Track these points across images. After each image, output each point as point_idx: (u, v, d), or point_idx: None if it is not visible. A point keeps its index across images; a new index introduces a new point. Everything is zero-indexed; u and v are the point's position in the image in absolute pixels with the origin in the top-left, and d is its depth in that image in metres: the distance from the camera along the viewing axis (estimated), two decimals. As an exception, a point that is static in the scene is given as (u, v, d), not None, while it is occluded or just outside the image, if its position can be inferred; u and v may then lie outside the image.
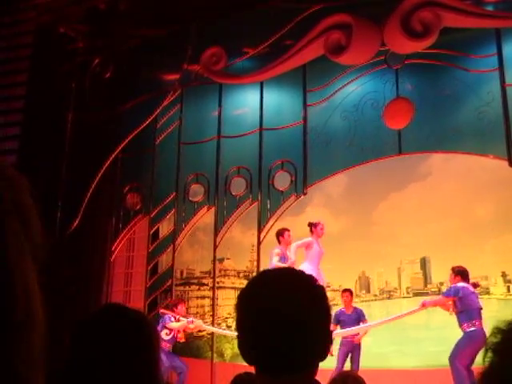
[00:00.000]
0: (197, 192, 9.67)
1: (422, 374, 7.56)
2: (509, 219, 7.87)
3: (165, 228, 9.72)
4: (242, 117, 9.75)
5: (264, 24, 8.51)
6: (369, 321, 7.69)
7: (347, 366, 7.37)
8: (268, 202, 9.17)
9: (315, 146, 9.06)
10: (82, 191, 8.94)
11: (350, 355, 7.53)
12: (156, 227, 9.70)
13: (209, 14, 8.67)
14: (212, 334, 9.03)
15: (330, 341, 1.29)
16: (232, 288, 9.39)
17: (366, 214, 8.91)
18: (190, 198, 9.65)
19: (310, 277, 1.33)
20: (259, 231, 9.07)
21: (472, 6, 7.69)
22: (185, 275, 9.69)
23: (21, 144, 8.68)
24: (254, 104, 9.55)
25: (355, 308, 7.74)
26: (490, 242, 8.10)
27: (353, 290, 8.09)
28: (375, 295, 8.88)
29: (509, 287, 7.95)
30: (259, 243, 9.01)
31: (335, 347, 7.45)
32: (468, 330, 6.39)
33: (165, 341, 7.55)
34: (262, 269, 8.12)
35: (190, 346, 8.95)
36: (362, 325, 7.54)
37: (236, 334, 1.30)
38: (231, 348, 8.79)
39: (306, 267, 7.58)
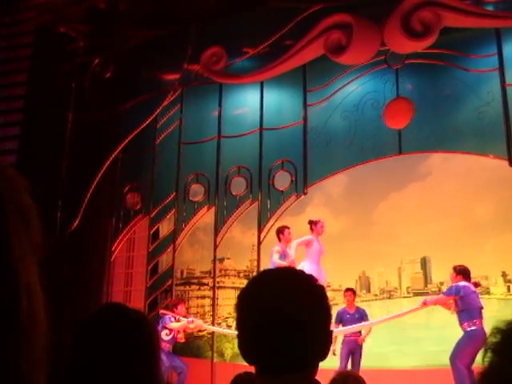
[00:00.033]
0: (197, 192, 9.67)
1: (422, 374, 7.55)
2: (509, 219, 7.87)
3: (165, 228, 9.72)
4: (242, 117, 9.75)
5: (264, 24, 8.51)
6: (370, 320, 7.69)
7: (348, 366, 7.38)
8: (268, 201, 9.17)
9: (315, 145, 9.07)
10: (82, 191, 8.94)
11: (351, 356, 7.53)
12: (156, 227, 9.70)
13: (209, 13, 8.67)
14: (212, 333, 9.03)
15: (330, 341, 1.29)
16: (232, 288, 9.40)
17: (366, 214, 8.91)
18: (190, 198, 9.66)
19: (310, 276, 1.33)
20: (259, 231, 9.07)
21: (472, 5, 7.69)
22: (185, 275, 9.69)
23: (21, 144, 8.68)
24: (254, 104, 9.55)
25: (358, 308, 7.74)
26: (490, 241, 8.10)
27: (355, 290, 8.10)
28: (375, 295, 8.88)
29: (509, 287, 7.95)
30: (259, 243, 9.02)
31: (337, 346, 7.48)
32: (468, 329, 6.40)
33: (165, 341, 7.55)
34: (262, 268, 8.12)
35: (190, 346, 8.95)
36: (363, 322, 7.55)
37: (236, 333, 1.30)
38: (231, 348, 8.79)
39: (307, 265, 7.62)
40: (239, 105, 9.82)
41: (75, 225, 8.83)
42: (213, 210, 9.48)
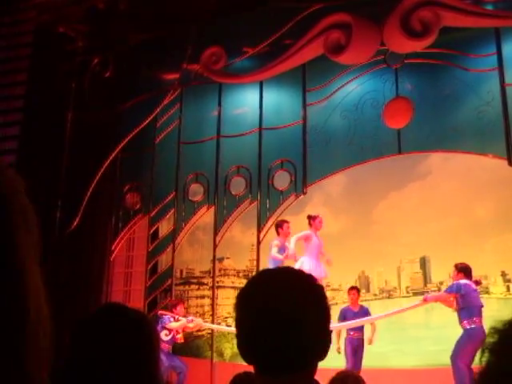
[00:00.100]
0: (196, 191, 9.67)
1: (422, 374, 7.56)
2: (508, 218, 7.88)
3: (164, 227, 9.72)
4: (242, 116, 9.75)
5: (264, 23, 8.52)
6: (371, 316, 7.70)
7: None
8: (267, 201, 9.17)
9: (315, 145, 9.07)
10: (81, 191, 8.94)
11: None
12: (156, 227, 9.70)
13: (208, 13, 8.67)
14: (212, 333, 9.03)
15: (329, 340, 1.29)
16: (232, 287, 9.40)
17: (365, 214, 8.91)
18: (190, 198, 9.66)
19: (310, 276, 1.33)
20: (259, 230, 9.07)
21: (471, 5, 7.69)
22: (184, 275, 9.69)
23: (20, 144, 8.67)
24: (253, 103, 9.55)
25: (361, 306, 7.75)
26: (490, 241, 8.10)
27: (359, 288, 8.11)
28: (375, 294, 8.88)
29: (508, 286, 7.96)
30: (259, 242, 9.02)
31: (341, 344, 7.50)
32: (468, 327, 6.40)
33: (164, 342, 7.55)
34: (261, 268, 8.12)
35: (190, 346, 8.95)
36: (364, 318, 7.55)
37: (235, 331, 1.31)
38: (231, 347, 8.79)
39: (306, 260, 7.66)
40: (239, 104, 9.81)
41: (75, 224, 8.84)
42: (212, 209, 9.48)
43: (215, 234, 9.33)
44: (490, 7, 7.92)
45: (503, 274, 7.98)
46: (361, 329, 7.61)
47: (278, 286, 1.27)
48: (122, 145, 9.36)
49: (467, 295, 6.53)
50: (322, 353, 1.27)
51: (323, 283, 7.67)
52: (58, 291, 6.95)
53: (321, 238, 7.99)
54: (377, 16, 7.95)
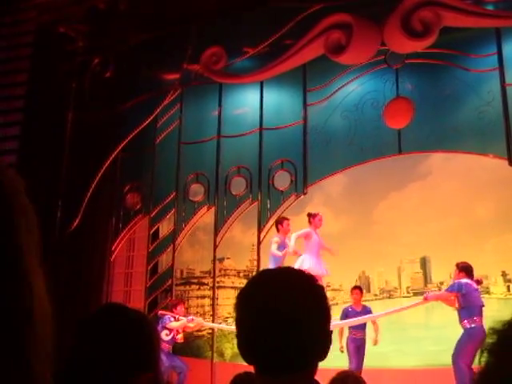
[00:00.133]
0: (197, 192, 9.67)
1: (422, 374, 7.56)
2: (509, 219, 7.87)
3: (165, 228, 9.72)
4: (242, 116, 9.75)
5: (264, 23, 8.52)
6: (376, 320, 7.69)
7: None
8: (268, 201, 9.17)
9: (315, 145, 9.07)
10: (82, 191, 8.94)
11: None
12: (156, 227, 9.70)
13: (209, 13, 8.67)
14: (212, 333, 9.04)
15: (329, 340, 1.29)
16: (232, 287, 9.40)
17: (366, 214, 8.91)
18: (190, 198, 9.66)
19: (310, 276, 1.33)
20: (259, 231, 9.07)
21: (472, 5, 7.69)
22: (185, 275, 9.70)
23: (21, 144, 8.68)
24: (253, 103, 9.55)
25: (364, 306, 7.74)
26: (490, 241, 8.10)
27: (362, 288, 8.12)
28: (375, 295, 8.88)
29: (509, 287, 7.95)
30: (259, 243, 9.02)
31: (344, 342, 7.50)
32: (468, 326, 6.40)
33: (164, 341, 7.55)
34: (262, 268, 8.12)
35: (190, 346, 8.96)
36: (366, 316, 7.55)
37: (235, 330, 1.30)
38: (231, 348, 8.79)
39: (307, 258, 7.67)
40: (239, 104, 9.82)
41: (75, 224, 8.84)
42: (213, 209, 9.48)
43: (215, 234, 9.33)
44: (490, 7, 7.92)
45: (504, 274, 7.98)
46: (363, 328, 7.61)
47: (278, 286, 1.27)
48: (123, 145, 9.36)
49: (468, 294, 6.52)
50: (322, 353, 1.27)
51: (324, 281, 7.70)
52: (59, 291, 6.95)
53: (321, 236, 7.99)
54: (377, 16, 7.95)
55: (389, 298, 8.79)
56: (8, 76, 9.12)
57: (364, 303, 7.84)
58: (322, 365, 1.29)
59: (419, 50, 8.02)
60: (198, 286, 9.59)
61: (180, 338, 7.98)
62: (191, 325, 8.02)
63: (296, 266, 7.43)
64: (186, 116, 9.86)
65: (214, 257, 9.33)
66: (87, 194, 8.96)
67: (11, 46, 9.18)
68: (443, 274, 8.18)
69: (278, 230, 8.06)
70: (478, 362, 1.00)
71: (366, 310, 7.68)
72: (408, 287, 8.77)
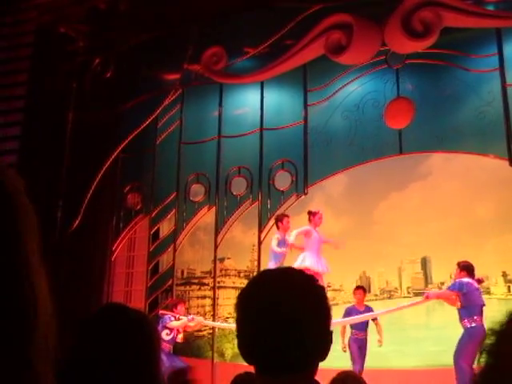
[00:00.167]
0: (197, 192, 9.67)
1: (422, 374, 7.55)
2: (509, 219, 7.87)
3: (165, 228, 9.73)
4: (243, 116, 9.75)
5: (264, 24, 8.51)
6: (378, 320, 7.69)
7: (350, 365, 7.35)
8: (268, 201, 9.17)
9: (316, 145, 9.07)
10: (82, 191, 8.94)
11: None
12: (157, 227, 9.71)
13: (209, 14, 8.67)
14: (212, 333, 9.04)
15: (330, 341, 1.29)
16: (233, 288, 9.40)
17: (366, 214, 8.91)
18: (191, 198, 9.66)
19: (310, 276, 1.33)
20: (260, 231, 9.07)
21: (473, 5, 7.69)
22: (185, 275, 9.70)
23: (21, 144, 8.68)
24: (254, 104, 9.55)
25: (367, 306, 7.75)
26: (491, 241, 8.09)
27: (366, 288, 8.13)
28: (376, 295, 8.87)
29: (509, 287, 7.95)
30: (260, 243, 9.02)
31: (346, 341, 7.51)
32: (469, 325, 6.39)
33: (165, 341, 7.55)
34: (262, 268, 8.13)
35: (191, 346, 8.96)
36: (367, 313, 7.55)
37: (235, 329, 1.31)
38: (232, 348, 8.79)
39: (308, 256, 7.67)
40: (239, 105, 9.82)
41: (76, 225, 8.84)
42: (213, 209, 9.48)
43: (216, 234, 9.34)
44: (491, 8, 7.92)
45: (504, 275, 7.98)
46: (365, 329, 7.60)
47: (278, 287, 1.27)
48: (123, 145, 9.36)
49: (469, 294, 6.52)
50: (323, 353, 1.27)
51: (325, 278, 7.71)
52: (59, 291, 6.95)
53: (321, 234, 7.99)
54: (378, 16, 7.95)
55: (389, 298, 8.79)
56: (8, 76, 9.12)
57: (366, 303, 7.85)
58: (322, 365, 1.29)
59: (420, 50, 8.02)
60: (198, 286, 9.59)
61: (180, 338, 7.98)
62: (192, 324, 8.01)
63: (297, 264, 7.46)
64: (186, 116, 9.86)
65: (215, 257, 9.33)
66: (88, 194, 8.96)
67: (12, 46, 9.18)
68: (444, 274, 8.17)
69: (277, 227, 8.08)
70: (477, 362, 1.00)
71: (368, 310, 7.69)
72: (408, 287, 8.77)
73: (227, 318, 9.11)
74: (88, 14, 9.14)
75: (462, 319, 6.51)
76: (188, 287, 9.65)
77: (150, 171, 9.76)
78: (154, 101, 9.36)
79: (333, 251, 8.13)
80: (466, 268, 6.69)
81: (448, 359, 6.46)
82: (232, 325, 8.16)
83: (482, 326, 6.27)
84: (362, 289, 7.83)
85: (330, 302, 1.35)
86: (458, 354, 6.35)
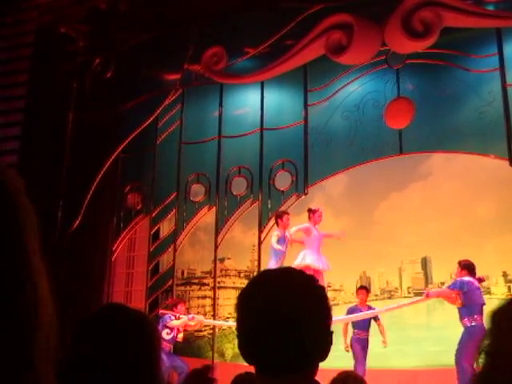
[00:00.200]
0: (198, 192, 9.68)
1: (423, 374, 7.55)
2: (510, 219, 7.87)
3: (166, 228, 9.73)
4: (243, 117, 9.76)
5: (265, 24, 8.52)
6: (381, 320, 7.69)
7: (351, 365, 7.34)
8: (269, 201, 9.17)
9: (316, 145, 9.07)
10: (82, 191, 8.94)
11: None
12: (157, 227, 9.71)
13: (209, 14, 8.67)
14: (213, 334, 9.04)
15: (330, 341, 1.29)
16: (233, 288, 9.40)
17: (366, 214, 8.91)
18: (191, 198, 9.66)
19: (310, 277, 1.33)
20: (260, 231, 9.07)
21: (473, 5, 7.69)
22: (186, 275, 9.70)
23: (22, 144, 8.68)
24: (254, 104, 9.55)
25: (369, 306, 7.74)
26: (491, 241, 8.09)
27: (368, 288, 8.12)
28: (376, 295, 8.87)
29: (510, 287, 7.95)
30: (260, 243, 9.01)
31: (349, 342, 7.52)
32: (469, 324, 6.39)
33: (165, 341, 7.56)
34: (263, 268, 8.12)
35: (191, 346, 8.96)
36: (367, 311, 7.55)
37: (235, 328, 1.31)
38: (232, 348, 8.79)
39: (308, 253, 7.68)
40: (240, 105, 9.82)
41: (76, 225, 8.84)
42: (213, 210, 9.48)
43: (216, 234, 9.34)
44: (491, 8, 7.92)
45: (504, 275, 7.98)
46: (367, 329, 7.59)
47: (278, 287, 1.27)
48: (123, 145, 9.36)
49: (470, 292, 6.51)
50: (323, 353, 1.27)
51: (326, 276, 7.71)
52: (59, 291, 6.94)
53: (321, 232, 8.00)
54: (378, 16, 7.95)
55: (390, 298, 8.79)
56: (9, 76, 9.13)
57: (368, 304, 7.84)
58: (323, 365, 1.29)
59: (420, 50, 8.02)
60: (198, 287, 9.59)
61: (180, 337, 7.98)
62: (192, 323, 8.02)
63: (297, 262, 7.47)
64: (186, 116, 9.86)
65: (215, 257, 9.33)
66: (88, 194, 8.96)
67: (12, 47, 9.18)
68: (444, 274, 8.17)
69: (277, 224, 8.09)
70: (476, 362, 1.01)
71: (371, 310, 7.69)
72: (409, 287, 8.77)
73: (227, 318, 9.11)
74: (88, 14, 9.14)
75: (462, 318, 6.51)
76: (188, 287, 9.66)
77: (150, 171, 9.76)
78: (154, 101, 9.36)
79: (333, 250, 8.13)
80: (467, 267, 6.69)
81: (448, 359, 6.46)
82: (232, 323, 8.18)
83: (483, 325, 6.26)
84: (364, 289, 7.83)
85: (331, 302, 1.35)
86: (460, 354, 6.34)
